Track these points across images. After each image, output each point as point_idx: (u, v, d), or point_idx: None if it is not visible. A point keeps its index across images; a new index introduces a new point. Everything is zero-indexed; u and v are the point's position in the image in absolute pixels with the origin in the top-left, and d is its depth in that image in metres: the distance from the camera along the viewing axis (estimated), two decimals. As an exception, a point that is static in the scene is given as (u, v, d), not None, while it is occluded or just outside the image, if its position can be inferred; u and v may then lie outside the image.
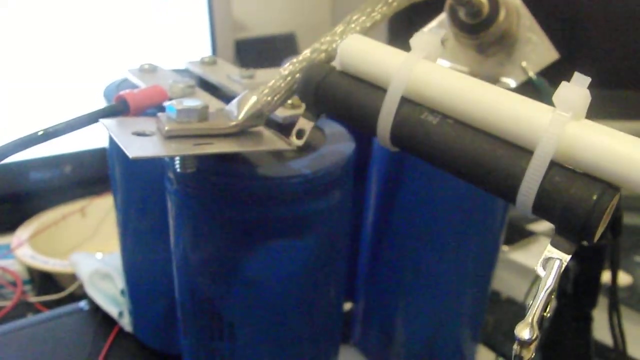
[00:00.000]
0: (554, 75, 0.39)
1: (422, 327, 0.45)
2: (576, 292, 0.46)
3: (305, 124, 0.32)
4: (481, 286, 0.46)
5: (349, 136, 0.38)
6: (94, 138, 0.75)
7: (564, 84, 0.23)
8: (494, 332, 0.55)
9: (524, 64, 0.43)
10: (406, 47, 0.29)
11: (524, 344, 0.22)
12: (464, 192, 0.40)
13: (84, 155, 0.78)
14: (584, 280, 0.46)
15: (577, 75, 0.23)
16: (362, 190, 0.45)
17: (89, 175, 0.78)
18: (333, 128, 0.39)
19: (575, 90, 0.23)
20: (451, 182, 0.40)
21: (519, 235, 0.71)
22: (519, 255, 0.68)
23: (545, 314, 0.23)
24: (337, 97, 0.30)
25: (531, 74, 0.43)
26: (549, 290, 0.23)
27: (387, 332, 0.46)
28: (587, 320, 0.47)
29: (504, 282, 0.63)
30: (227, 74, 0.43)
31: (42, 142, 0.31)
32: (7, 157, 0.30)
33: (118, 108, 0.34)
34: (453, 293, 0.44)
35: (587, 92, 0.23)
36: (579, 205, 0.22)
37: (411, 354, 0.46)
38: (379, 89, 0.29)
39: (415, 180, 0.41)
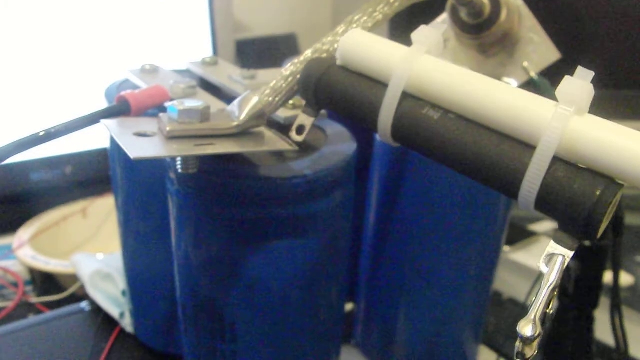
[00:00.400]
0: (555, 75, 0.39)
1: (423, 327, 0.45)
2: (578, 292, 0.46)
3: (305, 120, 0.32)
4: (483, 287, 0.46)
5: (350, 137, 0.38)
6: (94, 139, 0.75)
7: (567, 78, 0.23)
8: (495, 333, 0.55)
9: (525, 64, 0.43)
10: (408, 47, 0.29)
11: (527, 340, 0.22)
12: (465, 192, 0.40)
13: (84, 155, 0.78)
14: (585, 281, 0.45)
15: (580, 69, 0.23)
16: (363, 190, 0.45)
17: (90, 175, 0.78)
18: (335, 129, 0.39)
19: (579, 84, 0.23)
20: (452, 182, 0.40)
21: (520, 235, 0.71)
22: (521, 255, 0.68)
23: (548, 310, 0.22)
24: (337, 92, 0.30)
25: (533, 74, 0.43)
26: (551, 287, 0.22)
27: (388, 333, 0.46)
28: (589, 320, 0.47)
29: (505, 283, 0.63)
30: (229, 74, 0.43)
31: (44, 142, 0.31)
32: (8, 157, 0.30)
33: (119, 108, 0.34)
34: (454, 294, 0.44)
35: (591, 86, 0.23)
36: (582, 201, 0.22)
37: (412, 354, 0.46)
38: (380, 84, 0.28)
39: (416, 181, 0.41)
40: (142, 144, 0.29)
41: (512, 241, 0.69)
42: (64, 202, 0.74)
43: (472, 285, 0.44)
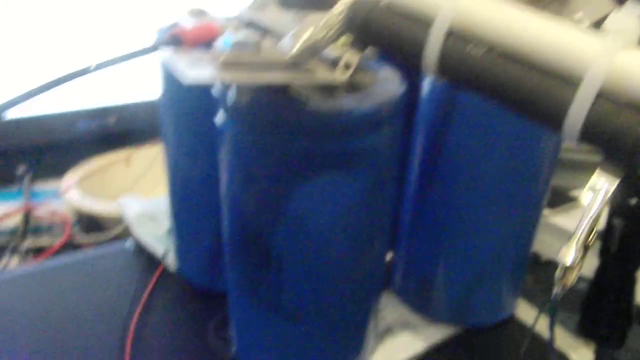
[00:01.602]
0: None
1: (462, 276, 0.45)
2: (621, 251, 0.45)
3: (351, 57, 0.32)
4: (523, 241, 0.45)
5: (400, 78, 0.37)
6: (138, 92, 0.76)
7: (614, 12, 0.23)
8: (533, 290, 0.55)
9: (579, 14, 0.42)
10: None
11: (568, 268, 0.22)
12: (512, 141, 0.40)
13: (128, 108, 0.79)
14: (629, 240, 0.45)
15: (630, 3, 0.23)
16: (409, 137, 0.45)
17: (133, 126, 0.79)
18: (385, 70, 0.39)
19: (627, 18, 0.23)
20: (498, 131, 0.39)
21: (561, 200, 0.70)
22: (560, 219, 0.67)
23: (589, 241, 0.23)
24: (382, 31, 0.30)
25: (586, 25, 0.41)
26: (594, 215, 0.23)
27: (427, 279, 0.46)
28: (630, 280, 0.46)
29: (544, 245, 0.62)
30: (278, 17, 0.43)
31: (94, 72, 0.32)
32: (59, 85, 0.31)
33: (173, 41, 0.35)
34: (495, 242, 0.43)
35: (639, 20, 0.23)
36: (626, 134, 0.22)
37: (450, 302, 0.46)
38: (424, 23, 0.29)
39: (462, 127, 0.40)
40: (197, 70, 0.29)
41: (553, 204, 0.68)
42: (107, 151, 0.76)
43: (512, 238, 0.44)
